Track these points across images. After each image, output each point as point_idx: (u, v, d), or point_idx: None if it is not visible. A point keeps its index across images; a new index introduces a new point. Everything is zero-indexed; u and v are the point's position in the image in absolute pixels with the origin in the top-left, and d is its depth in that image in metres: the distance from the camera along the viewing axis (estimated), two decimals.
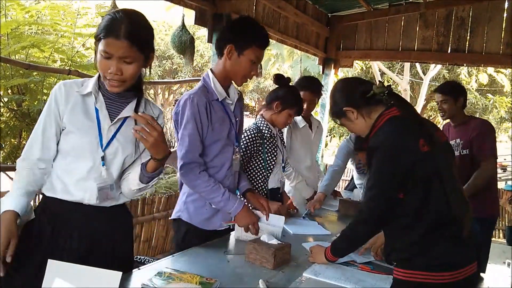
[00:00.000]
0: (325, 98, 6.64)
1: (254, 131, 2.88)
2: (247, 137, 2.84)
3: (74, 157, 1.77)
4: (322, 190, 3.42)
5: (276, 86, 2.97)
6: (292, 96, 2.95)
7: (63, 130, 1.76)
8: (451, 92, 3.36)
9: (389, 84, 1.95)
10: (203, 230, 2.32)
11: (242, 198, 2.50)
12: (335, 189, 3.95)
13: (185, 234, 2.36)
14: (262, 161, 2.93)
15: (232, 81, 2.37)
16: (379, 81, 1.90)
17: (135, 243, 4.07)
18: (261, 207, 2.43)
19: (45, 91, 3.92)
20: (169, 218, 2.50)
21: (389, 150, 1.73)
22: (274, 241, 2.15)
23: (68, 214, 1.78)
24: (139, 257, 2.89)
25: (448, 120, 3.51)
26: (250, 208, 2.46)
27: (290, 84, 3.05)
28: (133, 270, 1.93)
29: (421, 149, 1.69)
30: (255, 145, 2.87)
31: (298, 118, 3.45)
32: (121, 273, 1.51)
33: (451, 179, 1.77)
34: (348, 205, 3.40)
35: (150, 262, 2.42)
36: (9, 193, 1.71)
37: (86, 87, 1.78)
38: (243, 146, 2.79)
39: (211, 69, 2.35)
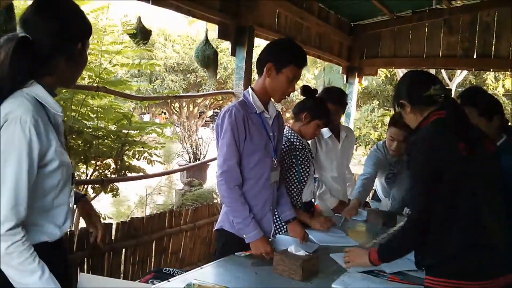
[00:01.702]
0: (350, 107, 6.61)
1: (287, 144, 2.88)
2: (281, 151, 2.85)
3: (60, 189, 1.53)
4: (356, 197, 3.36)
5: (303, 97, 2.98)
6: (321, 107, 2.96)
7: (42, 167, 1.45)
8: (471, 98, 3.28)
9: (450, 88, 1.99)
10: (243, 239, 2.33)
11: (284, 225, 2.67)
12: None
13: (224, 243, 2.45)
14: (296, 174, 2.92)
15: (272, 99, 2.47)
16: (440, 81, 1.96)
17: (163, 255, 4.12)
18: (299, 238, 2.55)
19: (73, 107, 4.01)
20: (214, 230, 2.57)
21: (425, 149, 1.77)
22: (302, 253, 2.14)
23: (57, 253, 1.56)
24: (167, 269, 2.91)
25: None
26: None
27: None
28: (163, 282, 1.96)
29: (460, 152, 1.72)
30: (289, 157, 2.88)
31: (324, 129, 3.44)
32: (151, 285, 1.53)
33: (489, 189, 1.77)
34: (377, 215, 3.36)
35: (178, 274, 2.45)
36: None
37: (55, 105, 1.50)
38: None
39: (251, 87, 2.45)
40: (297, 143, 2.94)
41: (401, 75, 11.55)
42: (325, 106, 3.00)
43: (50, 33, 1.43)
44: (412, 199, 1.82)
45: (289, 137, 2.94)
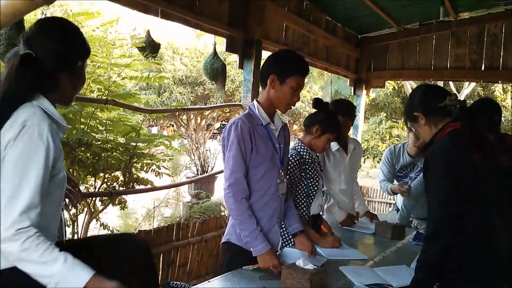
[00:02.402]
0: (357, 119, 6.61)
1: (296, 157, 2.87)
2: (290, 164, 2.83)
3: (59, 202, 1.60)
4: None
5: (311, 109, 2.99)
6: (332, 121, 2.96)
7: (54, 176, 1.51)
8: (486, 110, 3.28)
9: (464, 99, 1.99)
10: (250, 251, 2.32)
11: (291, 238, 2.65)
12: (372, 212, 3.89)
13: (232, 256, 2.44)
14: (304, 188, 2.91)
15: (277, 110, 2.47)
16: (454, 94, 1.96)
17: (170, 267, 4.11)
18: (307, 251, 2.50)
19: (82, 120, 4.04)
20: (221, 242, 2.54)
21: (444, 161, 1.76)
22: (310, 266, 2.12)
23: None
24: (175, 282, 2.90)
25: None
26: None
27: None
28: None
29: (475, 162, 1.73)
30: (299, 171, 2.86)
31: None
32: None
33: (501, 200, 1.77)
34: (385, 227, 3.34)
35: None
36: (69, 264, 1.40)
37: (62, 119, 1.58)
38: (287, 174, 2.81)
39: (256, 99, 2.46)
40: (307, 157, 2.93)
41: (409, 87, 11.50)
42: (337, 120, 2.99)
43: (53, 52, 1.54)
44: (433, 211, 1.78)
45: (298, 150, 2.93)
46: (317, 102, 2.93)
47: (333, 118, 2.97)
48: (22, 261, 1.37)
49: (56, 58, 1.54)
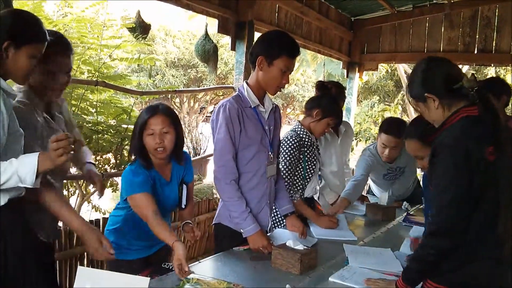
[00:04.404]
0: (350, 102, 6.61)
1: (296, 139, 2.87)
2: (290, 145, 2.83)
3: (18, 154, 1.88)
4: (345, 196, 3.26)
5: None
6: (334, 105, 2.95)
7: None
8: (494, 89, 3.22)
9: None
10: (241, 233, 2.33)
11: (282, 220, 2.66)
12: (363, 193, 3.90)
13: (223, 237, 2.44)
14: (301, 170, 2.92)
15: (267, 92, 2.43)
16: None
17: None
18: (298, 231, 2.51)
19: (73, 102, 4.01)
20: (211, 224, 2.53)
21: (456, 154, 1.62)
22: (300, 247, 2.14)
23: None
24: (166, 263, 2.91)
25: None
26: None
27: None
28: (162, 276, 1.96)
29: (487, 157, 1.60)
30: (298, 153, 2.86)
31: None
32: (149, 279, 1.54)
33: (508, 195, 1.66)
34: (375, 209, 3.36)
35: None
36: None
37: (7, 86, 1.80)
38: (286, 155, 2.82)
39: (246, 81, 2.43)
40: (306, 139, 2.93)
41: (402, 70, 11.30)
42: (338, 105, 2.97)
43: None
44: (443, 206, 1.64)
45: (298, 132, 2.93)
46: (321, 86, 2.91)
47: (335, 103, 2.96)
48: None
49: None
